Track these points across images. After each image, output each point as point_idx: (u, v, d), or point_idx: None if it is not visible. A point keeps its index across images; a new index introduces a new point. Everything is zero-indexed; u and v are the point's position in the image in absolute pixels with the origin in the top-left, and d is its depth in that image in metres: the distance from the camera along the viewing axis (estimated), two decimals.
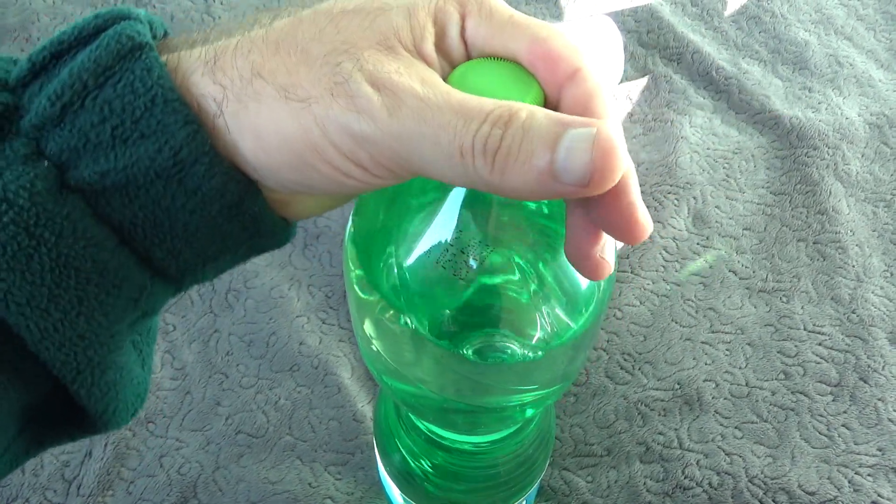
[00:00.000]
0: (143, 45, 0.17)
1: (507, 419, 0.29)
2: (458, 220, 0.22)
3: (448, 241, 0.22)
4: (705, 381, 0.47)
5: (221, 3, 0.68)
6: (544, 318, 0.23)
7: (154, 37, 0.19)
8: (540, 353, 0.23)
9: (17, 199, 0.16)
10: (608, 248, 0.19)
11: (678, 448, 0.44)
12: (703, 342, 0.48)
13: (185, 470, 0.42)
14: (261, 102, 0.17)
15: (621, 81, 0.63)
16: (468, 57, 0.19)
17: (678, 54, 0.65)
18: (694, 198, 0.56)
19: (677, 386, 0.46)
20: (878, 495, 0.42)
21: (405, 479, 0.35)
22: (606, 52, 0.59)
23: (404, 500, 0.36)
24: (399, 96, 0.17)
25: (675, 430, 0.45)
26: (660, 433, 0.44)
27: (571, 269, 0.21)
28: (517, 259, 0.22)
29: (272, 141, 0.18)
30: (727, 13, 0.69)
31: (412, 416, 0.32)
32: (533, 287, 0.23)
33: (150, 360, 0.22)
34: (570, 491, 0.42)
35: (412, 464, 0.34)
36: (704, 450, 0.44)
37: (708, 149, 0.59)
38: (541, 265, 0.23)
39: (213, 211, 0.18)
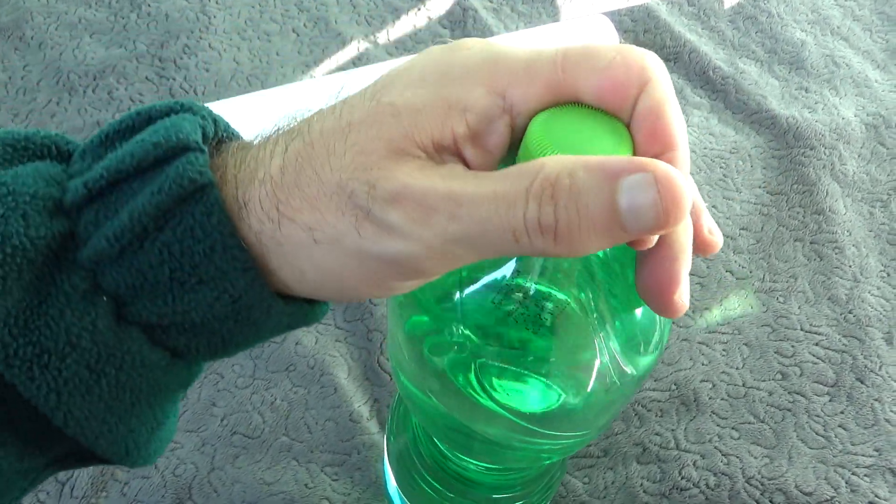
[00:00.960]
0: (203, 187, 0.17)
1: (537, 459, 0.28)
2: (513, 264, 0.21)
3: (503, 283, 0.21)
4: (702, 381, 0.47)
5: (216, 3, 0.67)
6: (601, 360, 0.21)
7: (216, 134, 0.19)
8: (591, 397, 0.22)
9: (80, 342, 0.17)
10: (685, 290, 0.18)
11: (675, 449, 0.44)
12: (699, 342, 0.48)
13: (180, 471, 0.42)
14: (295, 246, 0.17)
15: None
16: (516, 131, 0.18)
17: (675, 54, 0.65)
18: None
19: (674, 386, 0.46)
20: (875, 495, 0.42)
21: (420, 493, 0.34)
22: None
23: None
24: (426, 203, 0.16)
25: (672, 430, 0.44)
26: (657, 434, 0.44)
27: (631, 310, 0.20)
28: (573, 297, 0.22)
29: (314, 277, 0.18)
30: (724, 13, 0.69)
31: (437, 441, 0.32)
32: (589, 327, 0.22)
33: (179, 404, 0.22)
34: (567, 492, 0.42)
35: (426, 473, 0.34)
36: (701, 450, 0.44)
37: (705, 148, 0.59)
38: (596, 304, 0.22)
39: (265, 335, 0.19)
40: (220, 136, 0.20)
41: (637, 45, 0.68)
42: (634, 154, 0.17)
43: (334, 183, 0.17)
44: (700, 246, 0.18)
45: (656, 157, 0.17)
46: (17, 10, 0.65)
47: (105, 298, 0.18)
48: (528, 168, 0.16)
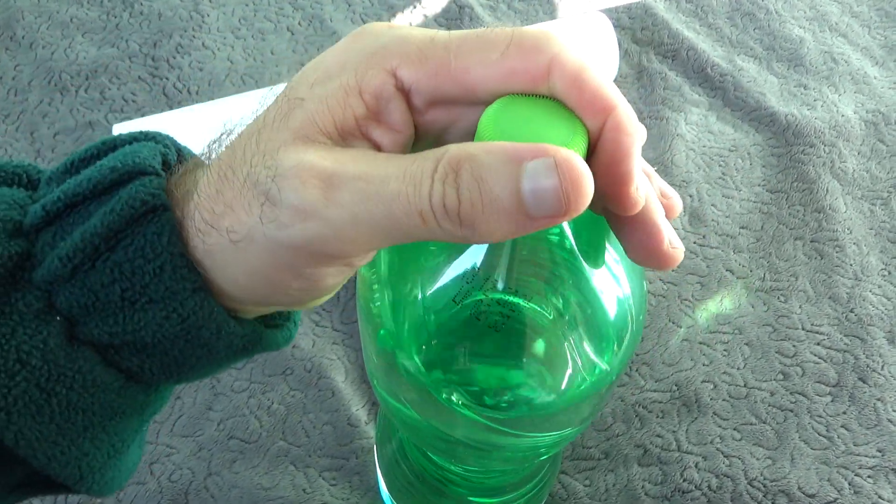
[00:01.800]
0: (156, 208, 0.17)
1: (521, 459, 0.28)
2: (476, 258, 0.20)
3: (467, 278, 0.21)
4: (703, 382, 0.46)
5: (210, 2, 0.66)
6: (572, 358, 0.21)
7: (179, 162, 0.20)
8: (566, 395, 0.22)
9: (31, 360, 0.17)
10: (673, 236, 0.19)
11: (676, 450, 0.43)
12: (700, 343, 0.48)
13: (177, 477, 0.41)
14: (221, 253, 0.18)
15: (615, 79, 0.63)
16: (416, 112, 0.18)
17: (673, 51, 0.65)
18: (690, 196, 0.55)
19: (675, 387, 0.46)
20: (879, 497, 0.42)
21: (409, 497, 0.34)
22: (600, 49, 0.59)
23: None
24: (329, 180, 0.16)
25: (674, 432, 0.44)
26: (658, 435, 0.44)
27: (599, 306, 0.20)
28: (539, 297, 0.21)
29: (245, 282, 0.18)
30: (722, 10, 0.69)
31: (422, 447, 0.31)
32: (558, 326, 0.21)
33: (145, 436, 0.22)
34: (568, 495, 0.42)
35: (417, 485, 0.33)
36: (703, 452, 0.43)
37: (704, 146, 0.59)
38: (563, 303, 0.21)
39: (220, 355, 0.19)
40: (183, 164, 0.20)
41: (635, 42, 0.67)
42: (599, 161, 0.17)
43: (244, 178, 0.17)
44: (618, 201, 0.18)
45: (603, 126, 0.17)
46: (7, 9, 0.64)
47: (58, 318, 0.18)
48: (434, 151, 0.16)
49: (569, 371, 0.21)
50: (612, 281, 0.21)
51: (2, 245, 0.17)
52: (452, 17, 0.67)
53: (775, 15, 0.68)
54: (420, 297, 0.21)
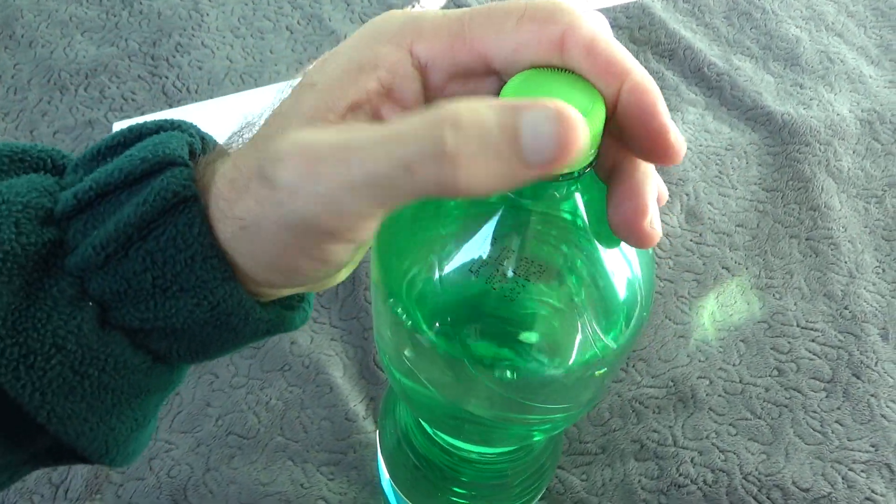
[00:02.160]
0: (186, 199, 0.18)
1: (520, 437, 0.28)
2: (492, 232, 0.21)
3: (483, 251, 0.21)
4: (699, 378, 0.46)
5: (209, 1, 0.67)
6: (582, 332, 0.22)
7: (204, 151, 0.20)
8: (574, 368, 0.22)
9: (66, 344, 0.18)
10: (656, 217, 0.19)
11: (672, 446, 0.44)
12: (696, 339, 0.48)
13: (175, 472, 0.42)
14: (237, 241, 0.18)
15: None
16: (436, 89, 0.19)
17: (670, 51, 0.65)
18: (686, 194, 0.56)
19: (671, 383, 0.46)
20: (872, 491, 0.42)
21: (411, 482, 0.34)
22: None
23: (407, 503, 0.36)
24: (312, 155, 0.16)
25: (670, 427, 0.44)
26: (654, 431, 0.44)
27: (609, 284, 0.21)
28: (551, 271, 0.22)
29: (262, 266, 0.18)
30: (719, 9, 0.69)
31: (424, 425, 0.32)
32: (569, 300, 0.22)
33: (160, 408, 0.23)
34: (565, 490, 0.42)
35: (421, 469, 0.34)
36: (699, 447, 0.44)
37: (700, 145, 0.59)
38: (575, 278, 0.22)
39: (245, 338, 0.20)
40: (208, 153, 0.20)
41: (632, 41, 0.68)
42: (632, 124, 0.18)
43: (252, 165, 0.17)
44: (660, 149, 0.18)
45: (618, 92, 0.17)
46: (6, 7, 0.65)
47: (90, 303, 0.18)
48: (423, 112, 0.16)
49: (577, 344, 0.22)
50: (623, 261, 0.22)
51: (35, 232, 0.18)
52: None
53: (772, 14, 0.69)
54: (435, 267, 0.22)
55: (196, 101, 0.60)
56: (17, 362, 0.17)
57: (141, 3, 0.66)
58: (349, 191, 0.16)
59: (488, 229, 0.21)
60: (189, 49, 0.63)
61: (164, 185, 0.18)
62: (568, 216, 0.21)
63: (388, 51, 0.18)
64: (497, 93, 0.19)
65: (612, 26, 0.66)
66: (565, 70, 0.18)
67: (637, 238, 0.19)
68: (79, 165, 0.20)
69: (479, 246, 0.21)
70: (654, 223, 0.19)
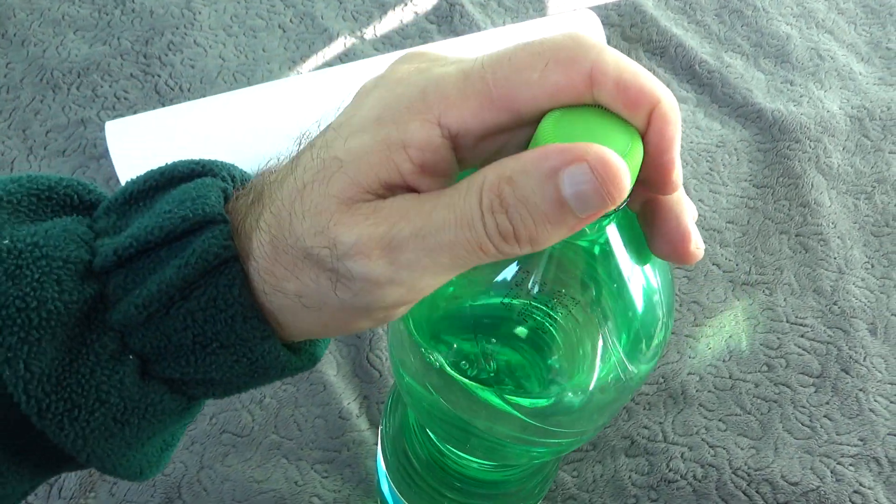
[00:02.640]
0: (227, 260, 0.18)
1: (530, 458, 0.28)
2: (517, 265, 0.21)
3: (507, 275, 0.21)
4: (689, 374, 0.47)
5: None
6: (603, 358, 0.22)
7: (236, 189, 0.21)
8: (595, 394, 0.22)
9: (109, 398, 0.19)
10: (698, 239, 0.20)
11: (663, 441, 0.44)
12: (686, 335, 0.49)
13: (169, 470, 0.42)
14: (291, 312, 0.19)
15: None
16: (466, 150, 0.18)
17: (661, 48, 0.65)
18: None
19: (662, 380, 0.47)
20: (860, 484, 0.43)
21: (413, 489, 0.35)
22: None
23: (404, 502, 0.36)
24: (392, 244, 0.17)
25: (660, 423, 0.45)
26: (644, 427, 0.45)
27: (634, 311, 0.21)
28: (573, 299, 0.22)
29: (317, 330, 0.20)
30: (710, 7, 0.69)
31: (430, 433, 0.32)
32: (593, 328, 0.22)
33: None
34: (557, 486, 0.42)
35: (422, 476, 0.34)
36: (689, 443, 0.44)
37: (691, 142, 0.59)
38: (596, 306, 0.22)
39: (277, 379, 0.21)
40: (239, 191, 0.21)
41: (624, 39, 0.68)
42: (646, 151, 0.18)
43: (302, 251, 0.18)
44: (660, 181, 0.19)
45: (650, 117, 0.17)
46: None
47: (131, 357, 0.19)
48: (474, 180, 0.17)
49: (598, 370, 0.22)
50: (646, 286, 0.22)
51: (77, 289, 0.18)
52: (443, 15, 0.67)
53: (762, 12, 0.69)
54: (457, 290, 0.22)
55: (189, 99, 0.60)
56: (62, 416, 0.18)
57: (133, 2, 0.66)
58: (432, 272, 0.17)
59: (510, 265, 0.21)
60: (181, 47, 0.63)
61: (206, 248, 0.18)
62: (585, 244, 0.21)
63: (415, 128, 0.17)
64: (529, 139, 0.19)
65: (604, 24, 0.66)
66: (594, 105, 0.18)
67: (685, 260, 0.20)
68: (110, 209, 0.20)
69: (502, 270, 0.21)
70: (698, 244, 0.20)
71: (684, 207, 0.19)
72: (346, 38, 0.65)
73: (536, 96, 0.17)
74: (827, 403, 0.46)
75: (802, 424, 0.45)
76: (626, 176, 0.16)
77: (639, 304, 0.22)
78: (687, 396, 0.46)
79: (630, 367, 0.22)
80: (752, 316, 0.50)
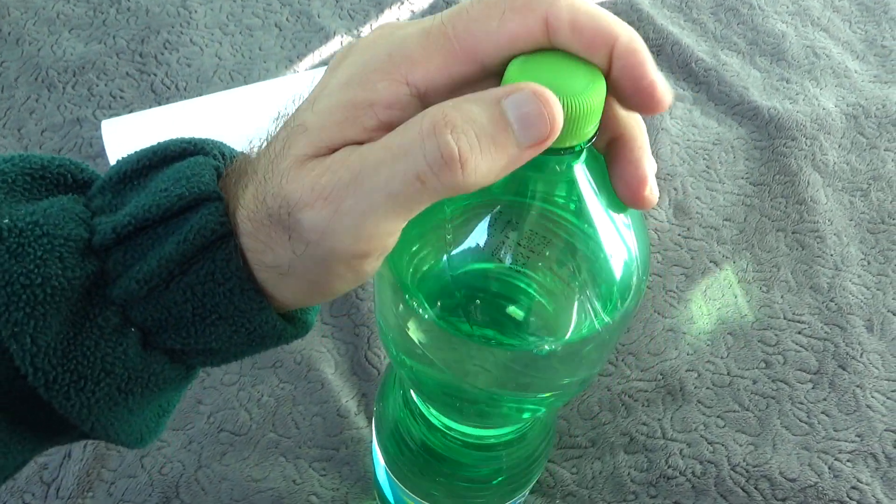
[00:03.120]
0: (223, 236, 0.19)
1: (517, 416, 0.29)
2: (495, 214, 0.22)
3: (486, 232, 0.22)
4: (687, 371, 0.47)
5: None
6: (580, 305, 0.23)
7: (227, 166, 0.21)
8: (572, 340, 0.23)
9: (114, 369, 0.19)
10: (654, 184, 0.21)
11: (661, 438, 0.44)
12: (685, 332, 0.49)
13: (167, 470, 0.42)
14: (273, 283, 0.20)
15: None
16: (422, 106, 0.19)
17: (658, 46, 0.65)
18: (675, 189, 0.56)
19: (660, 376, 0.47)
20: (858, 480, 0.43)
21: (407, 471, 0.35)
22: None
23: (401, 493, 0.36)
24: (333, 193, 0.17)
25: (659, 420, 0.45)
26: (643, 423, 0.45)
27: (606, 259, 0.22)
28: (551, 254, 0.23)
29: (300, 298, 0.20)
30: (706, 5, 0.70)
31: (420, 404, 0.32)
32: (568, 277, 0.23)
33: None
34: (556, 483, 0.42)
35: (413, 455, 0.34)
36: (687, 439, 0.44)
37: (688, 140, 0.59)
38: (574, 260, 0.23)
39: (271, 347, 0.22)
40: (230, 168, 0.21)
41: None
42: (622, 83, 0.19)
43: (266, 215, 0.18)
44: (649, 101, 0.19)
45: (610, 57, 0.18)
46: None
47: (133, 329, 0.20)
48: (412, 120, 0.17)
49: (575, 317, 0.23)
50: (618, 236, 0.23)
51: (79, 266, 0.19)
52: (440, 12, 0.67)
53: (758, 10, 0.69)
54: (439, 249, 0.23)
55: (185, 98, 0.59)
56: (69, 387, 0.19)
57: (129, 1, 0.65)
58: (372, 215, 0.17)
59: (491, 212, 0.22)
60: (177, 46, 0.63)
61: (203, 224, 0.19)
62: (561, 199, 0.22)
63: (383, 87, 0.18)
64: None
65: None
66: (558, 50, 0.19)
67: (640, 203, 0.21)
68: (105, 188, 0.21)
69: (482, 227, 0.22)
70: (653, 189, 0.21)
71: (645, 153, 0.20)
72: (342, 36, 0.65)
73: (497, 44, 0.18)
74: (824, 400, 0.46)
75: (800, 421, 0.45)
76: (558, 105, 0.17)
77: (612, 253, 0.23)
78: (685, 393, 0.46)
79: (604, 317, 0.23)
80: (751, 311, 0.50)
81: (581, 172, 0.21)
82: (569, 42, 0.18)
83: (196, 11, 0.65)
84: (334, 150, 0.18)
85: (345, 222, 0.17)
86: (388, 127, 0.18)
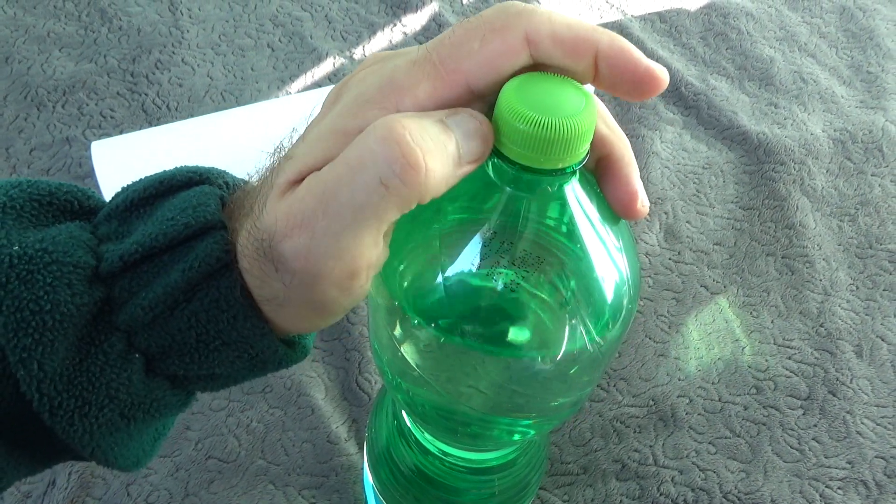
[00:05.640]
0: (228, 264, 0.19)
1: (509, 438, 0.29)
2: (488, 232, 0.22)
3: (479, 250, 0.22)
4: (679, 396, 0.47)
5: (189, 17, 0.67)
6: (571, 327, 0.23)
7: (230, 192, 0.22)
8: (564, 360, 0.23)
9: (118, 395, 0.20)
10: (644, 197, 0.22)
11: (653, 465, 0.44)
12: (675, 357, 0.49)
13: (154, 498, 0.41)
14: (274, 313, 0.20)
15: None
16: None
17: None
18: (665, 213, 0.56)
19: (652, 402, 0.47)
20: None
21: (399, 497, 0.35)
22: None
23: None
24: (304, 219, 0.18)
25: (650, 446, 0.45)
26: (635, 450, 0.44)
27: (596, 283, 0.22)
28: (544, 274, 0.23)
29: (301, 326, 0.21)
30: (695, 30, 0.70)
31: (413, 429, 0.32)
32: (560, 296, 0.23)
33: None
34: None
35: (407, 481, 0.34)
36: (679, 466, 0.44)
37: (678, 164, 0.60)
38: (566, 279, 0.23)
39: (271, 371, 0.22)
40: (233, 196, 0.22)
41: None
42: (618, 76, 0.19)
43: (257, 248, 0.19)
44: (654, 88, 0.20)
45: (594, 62, 0.19)
46: None
47: (137, 355, 0.20)
48: (364, 133, 0.18)
49: (567, 336, 0.23)
50: (609, 257, 0.23)
51: (86, 293, 0.19)
52: (432, 35, 0.68)
53: (747, 35, 0.70)
54: (433, 266, 0.23)
55: (176, 118, 0.59)
56: (73, 413, 0.19)
57: (120, 20, 0.65)
58: (346, 233, 0.18)
59: (485, 232, 0.22)
60: (169, 66, 0.63)
61: (208, 252, 0.19)
62: (552, 222, 0.22)
63: (373, 115, 0.18)
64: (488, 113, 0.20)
65: None
66: (549, 73, 0.19)
67: (633, 216, 0.22)
68: (111, 216, 0.21)
69: (475, 247, 0.22)
70: (643, 202, 0.22)
71: (633, 167, 0.22)
72: (335, 57, 0.65)
73: (480, 65, 0.19)
74: (815, 426, 0.46)
75: (791, 447, 0.45)
76: (489, 130, 0.18)
77: (604, 274, 0.23)
78: (677, 419, 0.46)
79: (597, 338, 0.23)
80: (738, 338, 0.50)
81: (573, 193, 0.21)
82: (551, 54, 0.19)
83: (188, 31, 0.65)
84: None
85: (322, 245, 0.18)
86: None
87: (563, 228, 0.22)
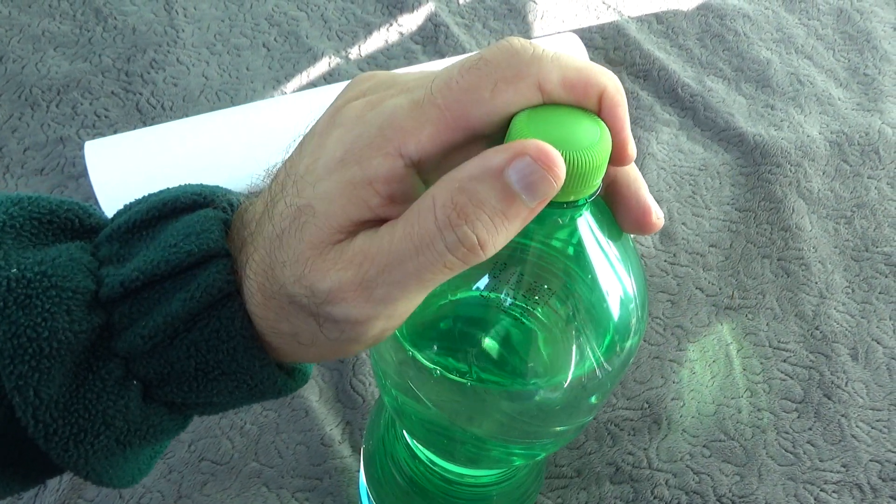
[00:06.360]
0: (230, 294, 0.19)
1: (509, 459, 0.29)
2: (496, 257, 0.22)
3: (487, 275, 0.22)
4: (673, 399, 0.47)
5: (185, 17, 0.66)
6: (578, 354, 0.23)
7: (234, 214, 0.22)
8: (571, 389, 0.23)
9: (115, 422, 0.19)
10: (657, 209, 0.22)
11: (647, 468, 0.44)
12: (670, 360, 0.49)
13: (146, 500, 0.41)
14: (287, 349, 0.20)
15: None
16: (427, 171, 0.19)
17: (644, 71, 0.66)
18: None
19: (646, 405, 0.46)
20: None
21: (394, 500, 0.35)
22: None
23: None
24: (364, 285, 0.18)
25: (645, 449, 0.45)
26: (629, 453, 0.44)
27: (605, 308, 0.22)
28: (551, 298, 0.23)
29: (309, 359, 0.21)
30: (692, 31, 0.70)
31: (414, 447, 0.32)
32: (568, 323, 0.23)
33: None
34: None
35: (407, 493, 0.34)
36: (673, 469, 0.44)
37: (674, 165, 0.60)
38: (573, 304, 0.23)
39: (268, 399, 0.22)
40: (235, 220, 0.22)
41: (607, 62, 0.68)
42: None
43: (287, 297, 0.19)
44: (641, 223, 0.21)
45: (600, 102, 0.19)
46: None
47: (135, 382, 0.20)
48: (423, 205, 0.17)
49: (574, 364, 0.23)
50: (618, 282, 0.23)
51: (85, 319, 0.19)
52: (428, 35, 0.67)
53: (743, 37, 0.70)
54: (439, 291, 0.22)
55: (170, 118, 0.59)
56: (69, 440, 0.19)
57: (115, 19, 0.65)
58: (403, 300, 0.18)
59: (483, 275, 0.22)
60: (164, 65, 0.62)
61: (210, 282, 0.19)
62: (558, 244, 0.22)
63: (378, 163, 0.18)
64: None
65: (588, 46, 0.67)
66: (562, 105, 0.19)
67: (649, 230, 0.22)
68: (113, 237, 0.21)
69: (482, 270, 0.22)
70: (658, 215, 0.22)
71: (641, 184, 0.21)
72: (330, 57, 0.65)
73: (489, 112, 0.18)
74: (810, 429, 0.46)
75: (786, 451, 0.45)
76: (559, 158, 0.17)
77: (611, 299, 0.23)
78: (671, 422, 0.46)
79: (605, 364, 0.23)
80: (736, 340, 0.50)
81: (584, 222, 0.21)
82: (562, 98, 0.19)
83: (183, 30, 0.65)
84: (347, 232, 0.18)
85: (379, 310, 0.18)
86: (391, 199, 0.18)
87: (571, 251, 0.22)
